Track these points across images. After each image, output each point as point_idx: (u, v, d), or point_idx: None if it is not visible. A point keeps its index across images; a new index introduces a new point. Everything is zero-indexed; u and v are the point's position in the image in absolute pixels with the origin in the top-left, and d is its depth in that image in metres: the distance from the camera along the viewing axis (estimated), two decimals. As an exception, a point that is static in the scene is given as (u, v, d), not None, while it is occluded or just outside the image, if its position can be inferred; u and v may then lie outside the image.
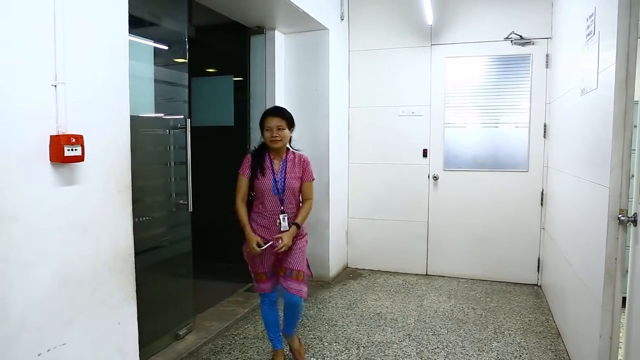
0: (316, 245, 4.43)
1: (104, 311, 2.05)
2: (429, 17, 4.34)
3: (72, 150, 1.78)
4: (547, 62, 4.28)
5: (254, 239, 2.66)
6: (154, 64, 2.98)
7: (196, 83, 4.29)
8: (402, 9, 4.65)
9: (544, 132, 4.33)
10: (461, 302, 4.01)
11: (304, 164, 2.75)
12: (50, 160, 1.76)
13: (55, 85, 1.78)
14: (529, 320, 3.62)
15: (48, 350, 1.80)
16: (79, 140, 1.81)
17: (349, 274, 4.84)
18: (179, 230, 3.18)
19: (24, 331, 1.70)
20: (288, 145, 2.77)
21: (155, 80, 2.97)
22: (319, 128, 4.38)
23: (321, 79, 4.35)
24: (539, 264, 4.45)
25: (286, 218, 2.68)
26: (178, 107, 3.17)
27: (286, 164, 2.70)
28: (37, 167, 1.73)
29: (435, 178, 4.69)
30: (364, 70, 4.83)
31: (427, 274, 4.80)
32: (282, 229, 2.67)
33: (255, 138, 4.25)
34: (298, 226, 2.70)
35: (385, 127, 4.79)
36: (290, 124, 2.70)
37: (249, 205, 2.75)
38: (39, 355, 1.76)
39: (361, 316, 3.69)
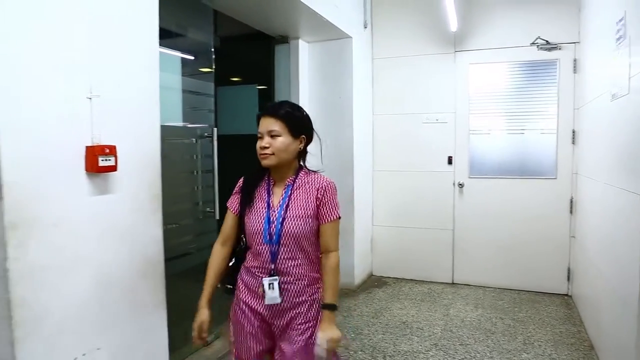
0: (341, 253, 4.42)
1: (136, 317, 2.10)
2: (453, 24, 4.32)
3: (106, 160, 1.84)
4: (574, 67, 4.20)
5: (198, 320, 1.77)
6: (182, 74, 3.05)
7: (221, 92, 4.37)
8: (425, 16, 4.65)
9: (573, 138, 4.24)
10: (489, 312, 3.94)
11: (323, 193, 1.68)
12: (85, 170, 1.83)
13: (90, 98, 1.84)
14: (560, 332, 3.53)
15: (83, 355, 1.85)
16: (112, 150, 1.87)
17: (374, 282, 4.81)
18: (205, 238, 3.22)
19: (62, 334, 1.76)
20: (302, 164, 1.79)
21: (183, 91, 3.03)
22: (343, 136, 4.39)
23: (345, 87, 4.36)
24: (569, 273, 4.34)
25: (276, 285, 1.66)
26: (205, 116, 3.22)
27: (291, 193, 1.70)
28: (74, 176, 1.80)
29: (461, 185, 4.64)
30: (387, 78, 4.84)
31: (453, 283, 4.73)
32: (267, 302, 1.68)
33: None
34: (332, 307, 1.68)
35: (409, 134, 4.77)
36: (295, 128, 1.67)
37: (240, 254, 1.84)
38: (75, 359, 1.82)
39: (387, 325, 3.66)
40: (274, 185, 1.76)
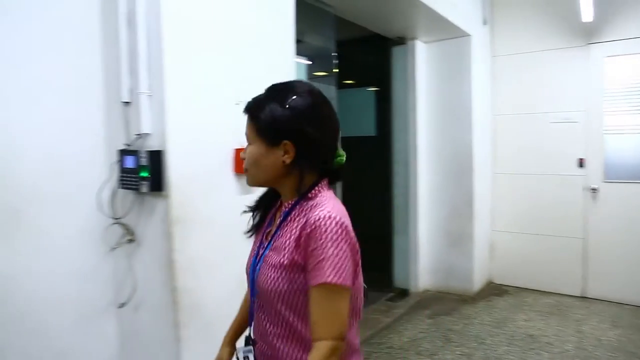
0: (459, 258, 4.31)
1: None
2: (587, 14, 3.96)
3: (253, 161, 1.98)
4: None
5: (217, 358, 1.29)
6: (306, 78, 3.18)
7: (339, 95, 4.47)
8: (552, 8, 4.32)
9: None
10: (629, 332, 3.54)
11: (309, 236, 1.00)
12: (234, 171, 1.98)
13: (238, 104, 1.99)
14: None
15: (231, 343, 2.00)
16: (259, 152, 2.00)
17: (493, 289, 4.58)
18: (328, 238, 3.31)
19: (216, 323, 1.91)
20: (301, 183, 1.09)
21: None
22: (462, 137, 4.25)
23: (463, 87, 4.22)
24: None
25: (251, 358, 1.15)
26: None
27: (284, 225, 1.10)
28: (225, 177, 1.96)
29: (594, 190, 4.23)
30: (509, 76, 4.58)
31: (583, 296, 4.33)
32: None
33: (400, 148, 4.30)
34: None
35: (534, 134, 4.46)
36: (268, 130, 1.07)
37: None
38: (224, 345, 1.97)
39: (512, 336, 3.46)
40: (278, 208, 1.20)
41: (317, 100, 1.09)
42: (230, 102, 1.95)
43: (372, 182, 4.43)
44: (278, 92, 1.10)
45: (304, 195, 1.08)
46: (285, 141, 1.05)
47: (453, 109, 4.27)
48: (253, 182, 1.16)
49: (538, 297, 4.33)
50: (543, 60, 4.39)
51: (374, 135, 4.40)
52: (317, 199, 1.06)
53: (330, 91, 3.35)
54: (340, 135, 1.12)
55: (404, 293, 4.34)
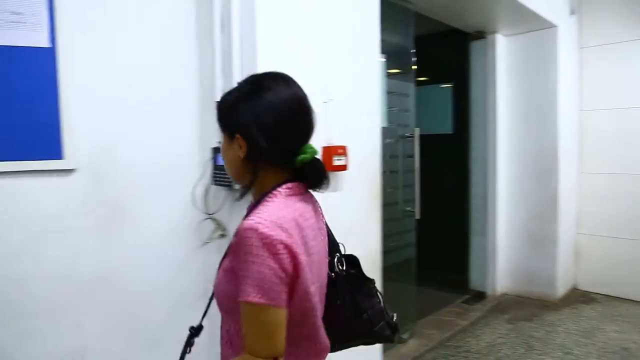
0: (541, 261, 4.09)
1: (357, 308, 2.22)
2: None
3: (339, 160, 1.98)
4: None
5: None
6: (386, 76, 3.14)
7: (416, 92, 4.39)
8: (651, -7, 3.97)
9: None
10: None
11: (234, 248, 0.91)
12: (322, 168, 1.99)
13: (326, 102, 2.00)
14: None
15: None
16: (344, 150, 2.00)
17: (579, 296, 4.30)
18: (405, 237, 3.27)
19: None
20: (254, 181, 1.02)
21: (387, 92, 3.12)
22: (545, 135, 4.02)
23: (548, 81, 3.98)
24: None
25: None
26: (406, 116, 3.27)
27: None
28: (313, 174, 1.97)
29: (699, 192, 3.85)
30: (599, 69, 4.26)
31: (685, 309, 3.96)
32: None
33: (478, 147, 4.15)
34: None
35: (628, 131, 4.11)
36: (223, 122, 1.04)
37: None
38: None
39: (603, 348, 3.23)
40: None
41: (276, 93, 0.99)
42: (318, 100, 1.96)
43: (449, 181, 4.31)
44: (243, 83, 1.04)
45: (263, 196, 0.98)
46: (237, 135, 0.98)
47: (536, 105, 4.05)
48: (229, 176, 1.11)
49: (632, 308, 4.00)
50: (636, 50, 4.05)
51: (450, 133, 4.27)
52: (267, 202, 0.95)
53: (408, 88, 3.30)
54: (310, 131, 1.02)
55: (480, 295, 4.19)
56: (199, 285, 2.19)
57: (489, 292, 4.20)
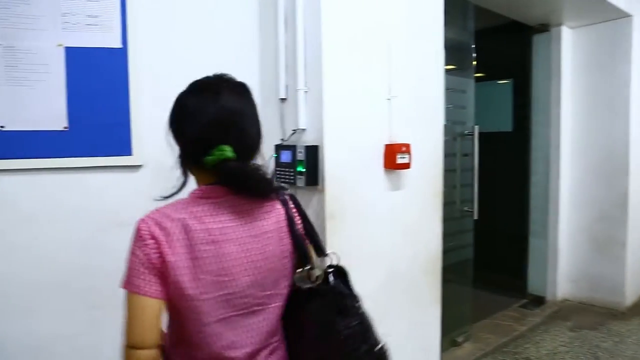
0: (607, 266, 3.85)
1: (415, 310, 2.18)
2: None
3: (402, 157, 1.94)
4: None
5: None
6: (445, 72, 3.06)
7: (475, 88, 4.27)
8: None
9: None
10: None
11: None
12: (384, 166, 1.96)
13: (389, 99, 1.96)
14: None
15: (375, 338, 1.99)
16: (407, 148, 1.96)
17: (651, 305, 4.04)
18: (462, 237, 3.18)
19: (361, 317, 1.93)
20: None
21: (446, 89, 3.03)
22: (615, 133, 3.78)
23: (620, 76, 3.73)
24: None
25: None
26: (463, 113, 3.17)
27: None
28: (375, 172, 1.94)
29: None
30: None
31: None
32: None
33: (539, 145, 3.97)
34: None
35: None
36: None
37: None
38: (368, 340, 1.97)
39: (679, 362, 3.01)
40: None
41: (188, 92, 1.03)
42: (382, 97, 1.93)
43: (507, 181, 4.14)
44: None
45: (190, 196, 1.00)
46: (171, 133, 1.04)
47: (605, 101, 3.81)
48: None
49: None
50: None
51: (509, 130, 4.11)
52: (175, 202, 0.98)
53: (467, 85, 3.20)
54: (206, 131, 0.97)
55: (539, 301, 4.01)
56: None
57: (549, 297, 4.01)
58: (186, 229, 0.92)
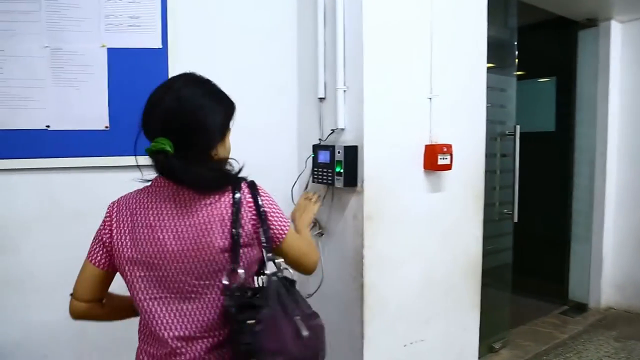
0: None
1: (454, 315, 2.11)
2: None
3: (443, 159, 1.88)
4: None
5: None
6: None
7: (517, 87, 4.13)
8: None
9: None
10: None
11: None
12: (424, 168, 1.90)
13: (430, 98, 1.91)
14: None
15: (411, 343, 1.95)
16: (449, 149, 1.90)
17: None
18: (501, 241, 3.08)
19: (397, 322, 1.89)
20: None
21: (487, 87, 2.94)
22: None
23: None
24: None
25: None
26: (505, 113, 3.07)
27: None
28: (414, 174, 1.89)
29: None
30: None
31: None
32: None
33: (584, 146, 3.80)
34: None
35: None
36: None
37: None
38: (404, 346, 1.93)
39: None
40: None
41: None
42: (423, 95, 1.88)
43: (549, 183, 3.98)
44: None
45: None
46: None
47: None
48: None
49: None
50: None
51: (552, 130, 3.95)
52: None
53: (508, 83, 3.09)
54: (150, 122, 1.03)
55: (581, 308, 3.84)
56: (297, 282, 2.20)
57: (592, 304, 3.85)
58: (132, 213, 1.04)
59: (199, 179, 1.01)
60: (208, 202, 1.02)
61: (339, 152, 1.72)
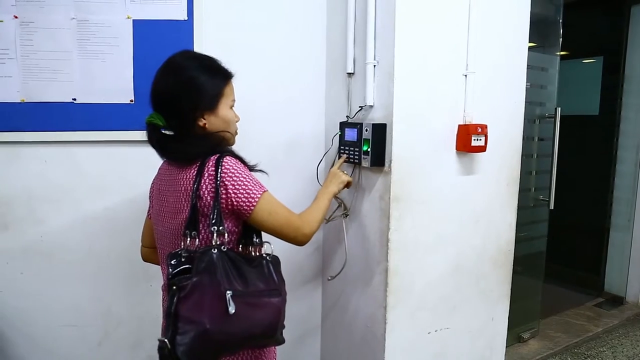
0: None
1: (483, 304, 2.04)
2: None
3: (477, 140, 1.78)
4: None
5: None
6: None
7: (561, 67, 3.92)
8: None
9: None
10: None
11: None
12: (456, 149, 1.81)
13: (466, 75, 1.80)
14: None
15: (435, 331, 1.89)
16: (483, 130, 1.79)
17: None
18: (535, 228, 2.96)
19: (421, 308, 1.83)
20: None
21: (528, 66, 2.78)
22: None
23: None
24: None
25: None
26: (545, 94, 2.91)
27: None
28: (445, 155, 1.80)
29: None
30: None
31: None
32: None
33: (629, 131, 3.59)
34: None
35: None
36: None
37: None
38: (428, 333, 1.87)
39: None
40: None
41: None
42: (458, 72, 1.77)
43: (589, 169, 3.79)
44: None
45: None
46: None
47: None
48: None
49: None
50: None
51: (595, 114, 3.73)
52: None
53: (550, 62, 2.92)
54: (153, 97, 1.16)
55: (617, 301, 3.69)
56: (318, 264, 2.17)
57: (629, 298, 3.68)
58: (158, 179, 1.27)
59: (174, 153, 1.16)
60: (183, 174, 1.13)
61: (366, 130, 1.65)
